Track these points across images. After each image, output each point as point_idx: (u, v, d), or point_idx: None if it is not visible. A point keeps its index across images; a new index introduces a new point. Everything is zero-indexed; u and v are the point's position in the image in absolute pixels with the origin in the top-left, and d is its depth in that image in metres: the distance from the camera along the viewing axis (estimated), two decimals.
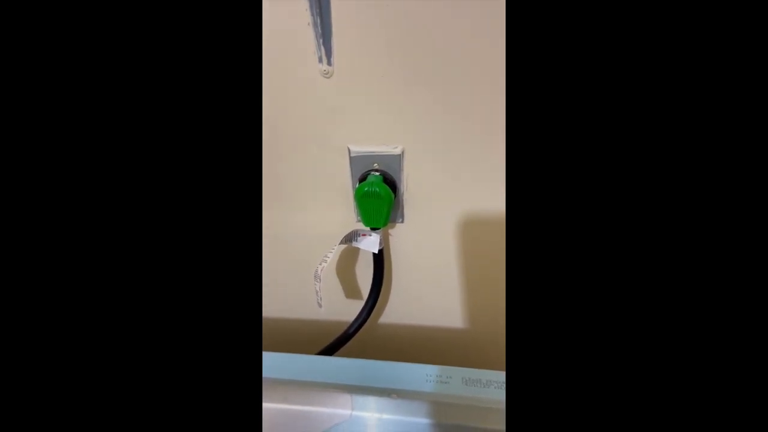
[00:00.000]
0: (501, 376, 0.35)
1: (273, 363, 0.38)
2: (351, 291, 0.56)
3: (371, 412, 0.33)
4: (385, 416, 0.33)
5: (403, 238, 0.50)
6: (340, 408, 0.33)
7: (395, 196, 0.46)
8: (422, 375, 0.36)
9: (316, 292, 0.46)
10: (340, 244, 0.47)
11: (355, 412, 0.33)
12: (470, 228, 0.48)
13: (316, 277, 0.45)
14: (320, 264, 0.46)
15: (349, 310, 0.53)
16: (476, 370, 0.36)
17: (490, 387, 0.35)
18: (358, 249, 0.52)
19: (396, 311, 0.57)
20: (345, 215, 0.49)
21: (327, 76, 0.40)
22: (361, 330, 0.52)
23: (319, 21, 0.37)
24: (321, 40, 0.38)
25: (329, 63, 0.40)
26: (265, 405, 0.34)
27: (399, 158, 0.44)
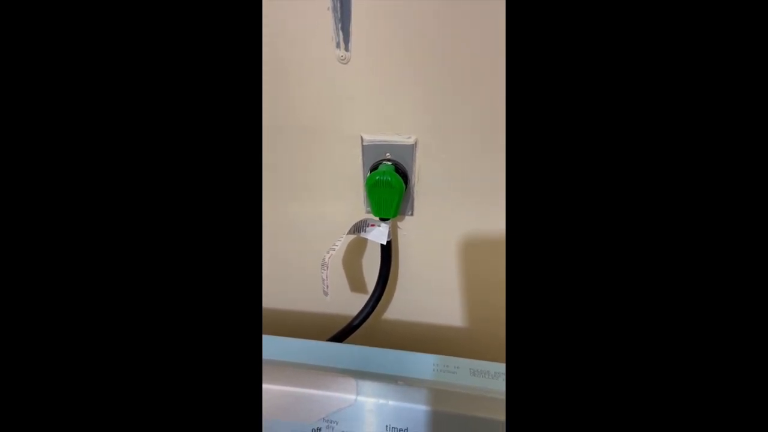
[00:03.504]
0: None
1: (279, 347, 0.38)
2: (356, 285, 0.56)
3: (376, 397, 0.32)
4: (390, 402, 0.32)
5: (412, 231, 0.50)
6: (345, 393, 0.33)
7: (406, 188, 0.45)
8: (429, 364, 0.36)
9: (323, 280, 0.45)
10: (348, 233, 0.47)
11: (360, 398, 0.33)
12: (481, 225, 0.48)
13: (324, 264, 0.45)
14: (328, 252, 0.45)
15: (354, 305, 0.53)
16: (484, 362, 0.36)
17: (498, 378, 0.34)
18: (364, 242, 0.52)
19: (401, 307, 0.56)
20: (354, 205, 0.49)
21: (344, 61, 0.40)
22: (365, 324, 0.52)
23: (339, 5, 0.38)
24: (339, 25, 0.39)
25: (347, 49, 0.40)
26: (271, 387, 0.33)
27: (412, 149, 0.44)
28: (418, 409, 0.32)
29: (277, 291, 0.58)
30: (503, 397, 0.33)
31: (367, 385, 0.33)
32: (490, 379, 0.34)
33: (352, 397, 0.33)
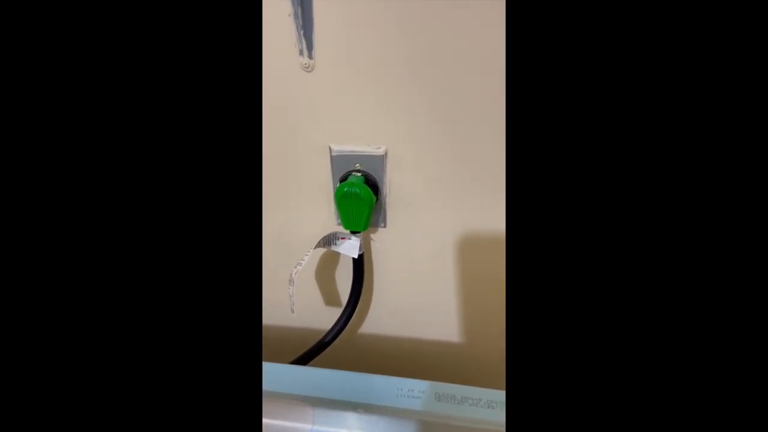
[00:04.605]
0: (477, 392, 0.33)
1: None
2: (330, 298, 0.54)
3: (333, 427, 0.31)
4: None
5: (385, 243, 0.48)
6: (301, 422, 0.31)
7: (377, 199, 0.44)
8: (394, 389, 0.34)
9: (290, 296, 0.43)
10: (317, 247, 0.45)
11: (315, 427, 0.31)
12: (456, 235, 0.46)
13: (290, 281, 0.43)
14: (295, 267, 0.44)
15: (328, 319, 0.51)
16: (451, 385, 0.34)
17: (465, 404, 0.33)
18: (338, 254, 0.50)
19: (376, 321, 0.54)
20: (325, 217, 0.47)
21: (308, 69, 0.39)
22: (338, 339, 0.50)
23: (300, 12, 0.36)
24: (302, 32, 0.37)
25: (310, 56, 0.38)
26: None
27: (382, 159, 0.42)
28: None
29: None
30: (469, 424, 0.31)
31: (324, 414, 0.31)
32: (455, 404, 0.33)
33: (308, 426, 0.31)
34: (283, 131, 0.42)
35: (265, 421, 0.31)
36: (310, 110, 0.41)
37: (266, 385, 0.34)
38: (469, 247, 0.46)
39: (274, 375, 0.35)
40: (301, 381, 0.35)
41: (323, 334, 0.50)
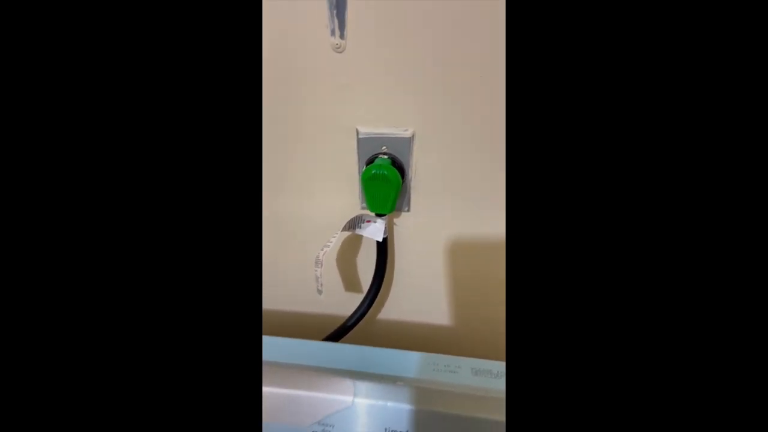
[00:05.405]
0: None
1: (274, 347, 0.36)
2: (350, 284, 0.54)
3: (374, 399, 0.31)
4: (389, 404, 0.30)
5: (408, 228, 0.48)
6: (342, 394, 0.31)
7: (403, 182, 0.44)
8: (431, 364, 0.34)
9: (317, 278, 0.43)
10: (343, 230, 0.45)
11: (357, 399, 0.31)
12: (480, 221, 0.46)
13: (318, 262, 0.43)
14: (322, 249, 0.44)
15: (347, 304, 0.51)
16: (486, 360, 0.34)
17: (500, 378, 0.33)
18: (359, 240, 0.50)
19: (395, 307, 0.55)
20: (349, 201, 0.47)
21: (339, 50, 0.39)
22: (360, 324, 0.50)
23: None
24: (335, 11, 0.37)
25: (342, 36, 0.38)
26: (265, 389, 0.31)
27: (409, 142, 0.43)
28: (418, 410, 0.30)
29: (267, 290, 0.56)
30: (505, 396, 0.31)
31: (365, 386, 0.31)
32: (492, 378, 0.33)
33: (349, 398, 0.31)
34: (312, 113, 0.42)
35: (306, 393, 0.31)
36: (339, 92, 0.41)
37: (302, 360, 0.34)
38: (492, 234, 0.47)
39: (310, 351, 0.36)
40: (338, 356, 0.35)
41: (341, 320, 0.50)
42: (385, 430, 0.30)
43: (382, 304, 0.55)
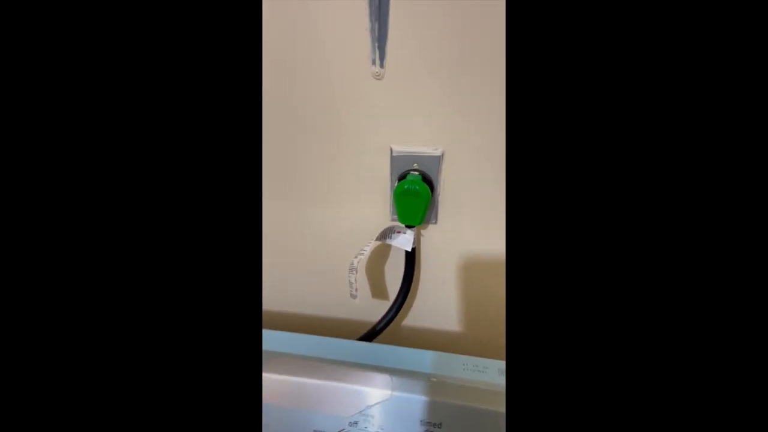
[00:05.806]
0: None
1: (315, 344, 0.39)
2: (377, 291, 0.57)
3: (411, 393, 0.34)
4: (425, 398, 0.34)
5: (434, 239, 0.52)
6: (381, 388, 0.34)
7: (432, 196, 0.48)
8: (460, 364, 0.37)
9: (351, 283, 0.47)
10: (376, 240, 0.49)
11: (395, 393, 0.34)
12: (501, 234, 0.50)
13: (353, 269, 0.47)
14: (356, 257, 0.47)
15: (373, 311, 0.54)
16: None
17: None
18: (387, 250, 0.54)
19: (419, 315, 0.58)
20: (379, 213, 0.51)
21: (379, 78, 0.43)
22: (387, 329, 0.53)
23: (377, 26, 0.40)
24: (376, 44, 0.41)
25: (381, 65, 0.42)
26: (310, 381, 0.34)
27: (438, 160, 0.46)
28: (452, 404, 0.33)
29: (294, 296, 0.59)
30: None
31: (402, 382, 0.35)
32: None
33: (388, 392, 0.34)
34: (350, 131, 0.47)
35: (345, 386, 0.34)
36: (375, 114, 0.45)
37: (344, 357, 0.38)
38: None
39: (350, 350, 0.39)
40: (375, 355, 0.38)
41: (367, 325, 0.53)
42: (421, 422, 0.34)
43: (407, 311, 0.58)
